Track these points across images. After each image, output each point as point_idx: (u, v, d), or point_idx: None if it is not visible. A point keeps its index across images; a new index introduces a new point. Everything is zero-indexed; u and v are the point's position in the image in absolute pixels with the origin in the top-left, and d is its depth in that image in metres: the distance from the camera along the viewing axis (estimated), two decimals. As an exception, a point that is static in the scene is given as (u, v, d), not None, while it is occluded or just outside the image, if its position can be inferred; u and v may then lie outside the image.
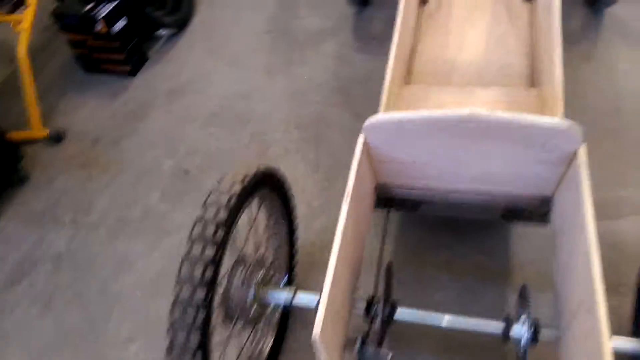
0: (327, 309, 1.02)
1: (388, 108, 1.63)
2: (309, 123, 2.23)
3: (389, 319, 1.24)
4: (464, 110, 1.10)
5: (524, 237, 1.72)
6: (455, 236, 1.75)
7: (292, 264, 1.61)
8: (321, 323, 0.99)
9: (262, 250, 1.42)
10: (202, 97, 2.46)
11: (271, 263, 1.45)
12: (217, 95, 2.44)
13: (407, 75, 1.96)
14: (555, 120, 1.09)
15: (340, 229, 1.13)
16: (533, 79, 1.83)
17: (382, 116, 1.20)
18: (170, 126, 2.37)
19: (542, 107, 1.63)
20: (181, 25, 2.81)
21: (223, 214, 1.13)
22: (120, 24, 2.46)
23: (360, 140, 1.28)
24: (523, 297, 1.21)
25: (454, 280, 1.65)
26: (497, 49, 1.95)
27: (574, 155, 1.16)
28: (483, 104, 1.74)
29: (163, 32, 2.75)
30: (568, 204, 1.22)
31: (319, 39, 2.59)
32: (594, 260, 0.98)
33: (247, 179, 1.23)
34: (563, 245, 1.21)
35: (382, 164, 1.39)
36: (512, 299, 1.55)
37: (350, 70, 2.41)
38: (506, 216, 1.46)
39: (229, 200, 1.16)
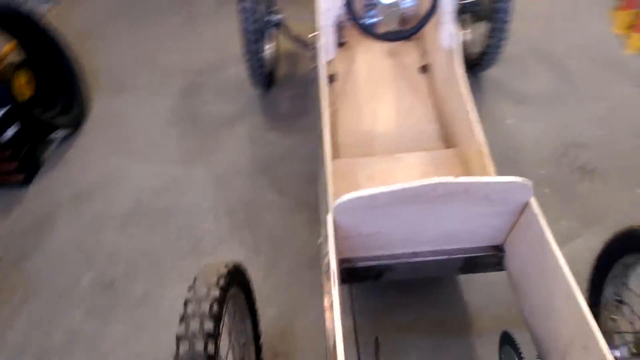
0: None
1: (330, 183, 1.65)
2: (238, 208, 2.17)
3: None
4: (432, 180, 1.16)
5: (470, 285, 1.81)
6: (409, 296, 1.79)
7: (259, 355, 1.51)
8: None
9: (231, 350, 1.32)
10: (113, 198, 2.28)
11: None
12: (130, 194, 2.29)
13: (333, 150, 2.03)
14: (511, 177, 1.19)
15: (337, 316, 1.09)
16: (447, 140, 2.01)
17: (352, 195, 1.21)
18: (81, 235, 2.15)
19: (466, 165, 1.78)
20: (76, 124, 2.63)
21: (209, 325, 1.04)
22: (10, 132, 2.24)
23: (330, 219, 1.27)
24: (510, 344, 1.26)
25: (422, 338, 1.67)
26: (408, 118, 2.12)
27: (526, 205, 1.28)
28: (411, 168, 1.86)
29: (57, 134, 2.55)
30: (526, 248, 1.31)
31: (229, 123, 2.59)
32: (579, 299, 1.06)
33: (222, 280, 1.15)
34: (532, 288, 1.30)
35: (347, 240, 1.39)
36: (489, 350, 1.60)
37: (266, 150, 2.43)
38: (463, 270, 1.53)
39: (210, 308, 1.07)
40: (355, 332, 1.45)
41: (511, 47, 2.76)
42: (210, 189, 2.27)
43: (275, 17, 2.58)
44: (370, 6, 1.81)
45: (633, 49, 2.70)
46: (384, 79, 2.30)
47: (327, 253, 1.49)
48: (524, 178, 1.20)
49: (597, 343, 1.00)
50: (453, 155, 1.86)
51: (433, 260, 1.49)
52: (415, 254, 1.48)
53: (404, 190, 1.17)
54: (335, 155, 2.00)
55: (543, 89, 2.58)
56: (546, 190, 2.11)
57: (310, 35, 2.38)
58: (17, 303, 1.91)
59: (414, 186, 1.16)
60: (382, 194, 1.18)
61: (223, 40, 3.15)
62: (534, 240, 1.25)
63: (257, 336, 1.52)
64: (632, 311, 1.36)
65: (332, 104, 2.21)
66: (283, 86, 2.79)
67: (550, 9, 3.12)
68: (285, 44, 2.84)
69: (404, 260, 1.49)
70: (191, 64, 3.01)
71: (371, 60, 2.38)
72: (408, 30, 1.78)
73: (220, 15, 3.43)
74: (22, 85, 2.41)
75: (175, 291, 1.90)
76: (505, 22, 2.27)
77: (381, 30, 2.03)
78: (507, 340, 1.28)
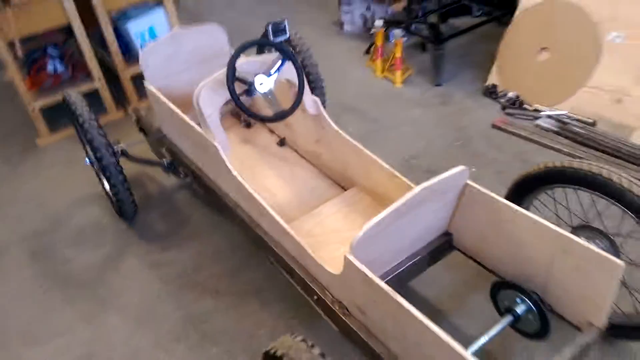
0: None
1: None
2: (186, 329, 2.06)
3: None
4: (417, 188, 1.46)
5: (420, 286, 2.13)
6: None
7: None
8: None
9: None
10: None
11: None
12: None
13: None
14: (457, 168, 1.57)
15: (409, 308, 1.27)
16: (339, 185, 2.33)
17: (366, 227, 1.41)
18: None
19: (374, 194, 2.12)
20: None
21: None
22: None
23: (352, 259, 1.44)
24: (506, 287, 1.61)
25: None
26: (297, 182, 2.37)
27: (464, 188, 1.68)
28: (335, 214, 2.11)
29: None
30: (476, 218, 1.69)
31: (112, 265, 2.41)
32: (544, 222, 1.48)
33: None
34: (495, 241, 1.66)
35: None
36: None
37: (173, 268, 2.34)
38: (431, 262, 1.84)
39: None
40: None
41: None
42: (138, 330, 2.09)
43: (119, 147, 2.56)
44: (249, 92, 2.03)
45: (399, 83, 3.54)
46: (255, 162, 2.52)
47: (335, 300, 1.64)
48: (462, 166, 1.60)
49: (574, 242, 1.42)
50: (357, 192, 2.19)
51: (411, 264, 1.76)
52: (399, 265, 1.74)
53: (403, 204, 1.43)
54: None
55: (360, 131, 3.15)
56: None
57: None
58: None
59: (408, 198, 1.44)
60: (391, 212, 1.42)
61: (41, 196, 2.93)
62: (483, 206, 1.65)
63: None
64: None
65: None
66: (144, 210, 2.72)
67: (325, 75, 3.82)
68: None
69: (393, 274, 1.72)
70: (18, 234, 2.68)
71: (233, 152, 2.57)
72: (291, 108, 2.07)
73: (21, 174, 3.15)
74: None
75: None
76: (322, 88, 2.77)
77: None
78: (501, 286, 1.63)
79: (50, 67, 3.46)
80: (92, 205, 2.78)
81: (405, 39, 3.49)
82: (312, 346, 1.26)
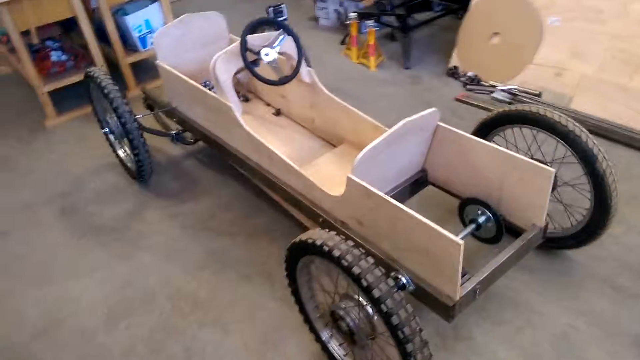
0: None
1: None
2: (208, 260, 2.44)
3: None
4: (403, 120, 1.90)
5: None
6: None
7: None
8: None
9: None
10: (83, 313, 2.24)
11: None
12: (97, 302, 2.29)
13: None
14: (430, 109, 2.03)
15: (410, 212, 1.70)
16: (331, 143, 2.76)
17: (365, 150, 1.85)
18: (77, 354, 2.08)
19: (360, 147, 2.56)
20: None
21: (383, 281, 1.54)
22: None
23: (354, 177, 1.87)
24: (470, 203, 2.07)
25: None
26: (294, 143, 2.77)
27: (436, 129, 2.14)
28: (330, 164, 2.53)
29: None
30: (447, 153, 2.14)
31: (137, 217, 2.76)
32: (498, 147, 1.95)
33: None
34: (459, 171, 2.13)
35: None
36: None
37: (192, 217, 2.71)
38: (411, 193, 2.29)
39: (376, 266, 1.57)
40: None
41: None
42: (168, 263, 2.46)
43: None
44: (256, 63, 2.45)
45: (373, 67, 4.01)
46: (256, 129, 2.89)
47: (336, 219, 2.06)
48: (434, 108, 2.05)
49: (518, 159, 1.89)
50: (347, 146, 2.63)
51: (395, 193, 2.20)
52: (390, 191, 2.18)
53: (393, 132, 1.88)
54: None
55: (343, 106, 3.61)
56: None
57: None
58: None
59: (398, 127, 1.88)
60: (383, 139, 1.86)
61: (60, 166, 3.27)
62: (451, 142, 2.11)
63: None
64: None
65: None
66: (157, 174, 3.07)
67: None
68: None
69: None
70: (46, 195, 3.01)
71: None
72: (292, 74, 2.49)
73: (35, 149, 3.45)
74: None
75: (211, 333, 2.10)
76: (309, 64, 3.20)
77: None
78: (466, 203, 2.09)
79: (54, 57, 3.77)
80: (108, 172, 3.13)
81: (377, 29, 3.97)
82: (346, 239, 1.59)
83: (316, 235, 1.64)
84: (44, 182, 3.11)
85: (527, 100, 3.32)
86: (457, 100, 3.53)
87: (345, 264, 1.50)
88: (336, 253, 1.54)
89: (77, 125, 3.62)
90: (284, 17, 2.56)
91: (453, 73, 3.77)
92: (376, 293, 1.45)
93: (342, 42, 4.40)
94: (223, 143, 2.65)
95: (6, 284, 2.44)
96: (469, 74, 3.68)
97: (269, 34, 2.56)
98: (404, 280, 1.77)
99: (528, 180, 1.91)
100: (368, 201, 1.86)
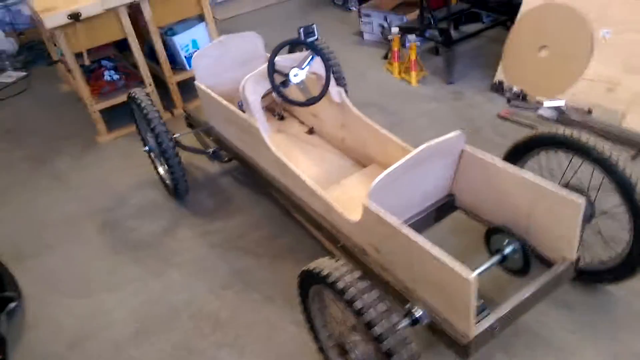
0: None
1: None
2: (232, 280, 2.47)
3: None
4: (424, 145, 1.84)
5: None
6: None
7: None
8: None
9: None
10: (114, 326, 2.34)
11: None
12: (127, 317, 2.38)
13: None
14: (453, 132, 1.96)
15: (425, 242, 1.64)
16: (360, 164, 2.73)
17: (381, 175, 1.81)
18: (99, 370, 2.17)
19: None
20: (12, 297, 2.54)
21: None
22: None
23: (369, 202, 1.83)
24: (497, 232, 1.96)
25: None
26: (324, 162, 2.76)
27: (463, 151, 2.05)
28: (357, 185, 2.50)
29: (10, 306, 2.44)
30: (474, 178, 2.05)
31: (170, 233, 2.85)
32: (526, 175, 1.84)
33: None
34: (488, 199, 2.03)
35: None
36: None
37: (220, 235, 2.76)
38: (436, 219, 2.21)
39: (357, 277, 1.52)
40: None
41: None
42: (194, 281, 2.51)
43: (173, 136, 3.02)
44: (285, 84, 2.47)
45: (415, 83, 3.93)
46: (288, 148, 2.93)
47: (355, 245, 2.03)
48: (459, 130, 1.97)
49: (546, 188, 1.78)
50: (376, 167, 2.58)
51: (420, 218, 2.14)
52: (409, 219, 2.12)
53: (411, 157, 1.82)
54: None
55: (382, 123, 3.51)
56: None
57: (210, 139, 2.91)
58: None
59: (415, 153, 1.82)
60: (401, 164, 1.81)
61: (105, 181, 3.40)
62: (477, 166, 2.02)
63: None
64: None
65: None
66: (194, 191, 3.16)
67: (348, 78, 4.23)
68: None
69: (409, 223, 2.10)
70: (89, 209, 3.16)
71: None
72: (319, 95, 2.49)
73: (85, 165, 3.63)
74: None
75: (228, 355, 2.12)
76: (345, 85, 3.18)
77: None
78: (492, 232, 1.99)
79: (107, 76, 3.98)
80: (149, 188, 3.24)
81: (418, 43, 3.89)
82: (352, 270, 1.55)
83: (323, 264, 1.62)
84: (90, 197, 3.27)
85: (576, 118, 3.12)
86: (500, 117, 3.38)
87: (348, 297, 1.47)
88: (340, 285, 1.50)
89: (125, 143, 3.79)
90: (314, 38, 2.55)
91: (498, 88, 3.62)
92: (377, 330, 1.41)
93: (385, 57, 4.35)
94: (253, 162, 2.69)
95: (47, 295, 2.58)
96: (515, 89, 3.52)
97: (299, 55, 2.57)
98: (418, 313, 1.71)
99: (557, 210, 1.79)
100: (383, 228, 1.82)
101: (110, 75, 4.01)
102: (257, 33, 3.10)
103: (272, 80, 2.36)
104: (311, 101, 2.46)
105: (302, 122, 3.13)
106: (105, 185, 3.36)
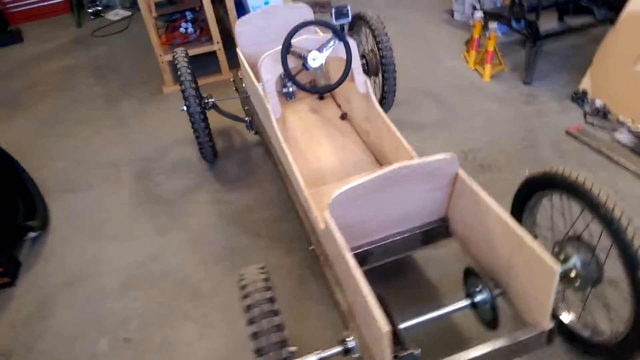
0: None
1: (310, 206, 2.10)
2: (224, 256, 2.50)
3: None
4: (395, 165, 1.66)
5: (427, 266, 2.30)
6: (383, 283, 2.22)
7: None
8: None
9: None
10: (103, 278, 2.50)
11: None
12: (121, 268, 2.52)
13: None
14: (442, 154, 1.73)
15: (364, 285, 1.49)
16: (378, 162, 2.56)
17: (343, 189, 1.67)
18: (84, 312, 2.33)
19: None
20: (42, 225, 2.82)
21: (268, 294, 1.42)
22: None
23: (328, 215, 1.71)
24: (473, 275, 1.74)
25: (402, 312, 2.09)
26: (345, 153, 2.64)
27: (457, 176, 1.82)
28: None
29: (28, 236, 2.72)
30: (465, 207, 1.83)
31: (189, 195, 2.94)
32: (510, 223, 1.59)
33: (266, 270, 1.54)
34: (475, 234, 1.80)
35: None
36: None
37: (230, 207, 2.80)
38: (423, 242, 2.02)
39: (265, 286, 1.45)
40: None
41: (399, 93, 3.48)
42: (192, 248, 2.58)
43: (210, 100, 3.06)
44: (303, 70, 2.36)
45: (487, 77, 3.55)
46: (316, 130, 2.83)
47: (321, 252, 1.93)
48: (451, 153, 1.74)
49: (524, 239, 1.52)
50: (388, 169, 2.40)
51: (401, 239, 1.96)
52: (387, 237, 1.95)
53: (379, 176, 1.65)
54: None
55: (433, 118, 3.29)
56: (459, 187, 2.73)
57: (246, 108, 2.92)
58: (43, 382, 2.04)
59: (385, 171, 1.64)
60: (366, 182, 1.65)
61: (157, 132, 3.55)
62: (468, 196, 1.78)
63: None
64: (545, 241, 1.93)
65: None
66: (225, 157, 3.21)
67: (419, 60, 3.96)
68: (214, 123, 3.31)
69: (380, 244, 1.95)
70: (133, 155, 3.35)
71: (300, 119, 2.91)
72: (334, 85, 2.34)
73: (146, 112, 3.83)
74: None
75: (189, 331, 2.17)
76: (393, 72, 2.95)
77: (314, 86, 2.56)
78: (470, 272, 1.77)
79: (182, 28, 4.10)
80: (188, 146, 3.35)
81: (499, 33, 3.47)
82: (265, 289, 1.48)
83: (248, 274, 1.56)
84: (139, 144, 3.46)
85: (656, 149, 2.62)
86: (568, 133, 2.95)
87: (247, 317, 1.40)
88: (247, 302, 1.44)
89: (186, 95, 3.92)
90: (346, 20, 2.37)
91: (578, 98, 3.15)
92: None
93: (467, 43, 3.96)
94: (267, 140, 2.64)
95: (69, 231, 2.82)
96: (597, 102, 3.03)
97: (326, 35, 2.42)
98: (351, 344, 1.60)
99: (534, 269, 1.53)
100: (333, 245, 1.70)
101: (185, 28, 4.12)
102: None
103: (284, 62, 2.25)
104: (323, 89, 2.32)
105: (339, 106, 2.99)
106: (154, 136, 3.53)
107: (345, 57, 2.38)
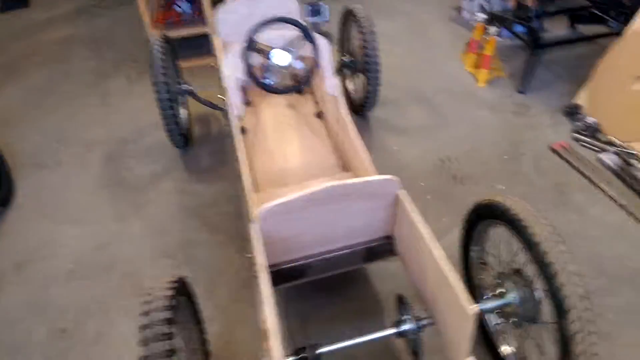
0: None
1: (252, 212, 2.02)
2: (176, 250, 2.45)
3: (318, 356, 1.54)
4: (327, 184, 1.56)
5: (378, 279, 2.21)
6: (332, 295, 2.14)
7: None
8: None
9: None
10: (54, 260, 2.47)
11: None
12: (71, 254, 2.49)
13: (254, 186, 2.41)
14: (381, 176, 1.63)
15: (266, 297, 1.42)
16: (344, 167, 2.46)
17: (271, 203, 1.58)
18: (29, 296, 2.30)
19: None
20: (4, 202, 2.80)
21: (166, 315, 1.34)
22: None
23: (256, 227, 1.63)
24: (402, 302, 1.65)
25: (346, 326, 2.02)
26: (312, 154, 2.55)
27: (397, 198, 1.71)
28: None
29: (-11, 212, 2.71)
30: (405, 231, 1.74)
31: (155, 182, 2.88)
32: (440, 261, 1.48)
33: (174, 285, 1.46)
34: (413, 260, 1.71)
35: (271, 246, 1.74)
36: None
37: (194, 199, 2.74)
38: (367, 259, 1.93)
39: (166, 305, 1.37)
40: (289, 330, 1.78)
41: (389, 92, 3.36)
42: (147, 239, 2.53)
43: (185, 87, 2.98)
44: (267, 68, 2.25)
45: (482, 82, 3.38)
46: (289, 127, 2.74)
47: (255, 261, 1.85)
48: (391, 175, 1.64)
49: (444, 275, 1.41)
50: (348, 177, 2.30)
51: (342, 254, 1.87)
52: (328, 252, 1.86)
53: (309, 194, 1.56)
54: (256, 190, 2.38)
55: (418, 121, 3.15)
56: (428, 197, 2.61)
57: (218, 96, 2.83)
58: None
59: (316, 190, 1.56)
60: (295, 199, 1.57)
61: (138, 113, 3.49)
62: (407, 222, 1.68)
63: (204, 341, 1.79)
64: (492, 269, 1.82)
65: (248, 151, 2.61)
66: (200, 144, 3.14)
67: (416, 59, 3.80)
68: (197, 109, 3.23)
69: (320, 257, 1.86)
70: (110, 136, 3.29)
71: (275, 113, 2.82)
72: (297, 85, 2.24)
73: (132, 92, 3.76)
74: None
75: (125, 327, 2.12)
76: (376, 72, 2.81)
77: (277, 85, 2.47)
78: (400, 300, 1.67)
79: (177, 7, 4.00)
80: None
81: (499, 38, 3.29)
82: (160, 298, 1.41)
83: (156, 282, 1.49)
84: (117, 124, 3.41)
85: (641, 177, 2.46)
86: (552, 149, 2.79)
87: (140, 338, 1.33)
88: (144, 307, 1.37)
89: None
90: (322, 19, 2.26)
91: (570, 113, 2.97)
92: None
93: (467, 44, 3.78)
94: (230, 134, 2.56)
95: (30, 210, 2.79)
96: (589, 119, 2.85)
97: (298, 33, 2.31)
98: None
99: (453, 308, 1.43)
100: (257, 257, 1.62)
101: (180, 7, 4.02)
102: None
103: (246, 57, 2.15)
104: (282, 90, 2.22)
105: (317, 103, 2.88)
106: (135, 117, 3.47)
107: (315, 57, 2.28)
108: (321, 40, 2.33)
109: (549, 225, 1.45)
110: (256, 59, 2.31)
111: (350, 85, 3.25)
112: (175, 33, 3.84)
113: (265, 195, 2.25)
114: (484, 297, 1.72)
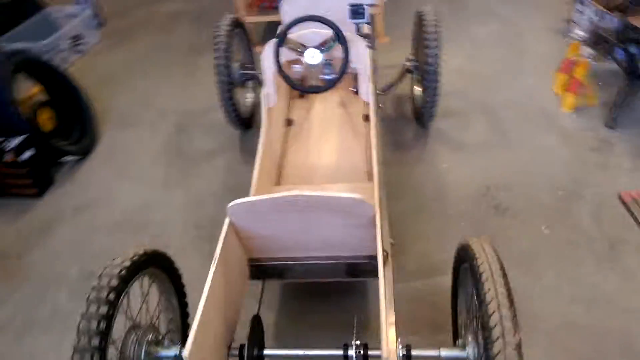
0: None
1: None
2: (206, 223, 2.61)
3: (258, 358, 1.58)
4: (292, 192, 1.57)
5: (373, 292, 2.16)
6: (322, 301, 2.15)
7: (185, 331, 1.89)
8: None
9: (155, 319, 1.71)
10: (107, 211, 2.78)
11: (167, 330, 1.76)
12: (121, 208, 2.79)
13: (278, 178, 2.47)
14: (350, 194, 1.58)
15: (207, 288, 1.49)
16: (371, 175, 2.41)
17: (240, 200, 1.64)
18: (76, 238, 2.64)
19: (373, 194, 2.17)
20: (85, 152, 3.19)
21: (114, 282, 1.46)
22: (27, 154, 2.80)
23: (227, 220, 1.70)
24: (358, 325, 1.61)
25: (328, 335, 2.01)
26: (346, 157, 2.53)
27: (374, 219, 1.66)
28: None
29: (69, 158, 3.11)
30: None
31: (209, 157, 3.08)
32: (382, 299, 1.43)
33: (136, 257, 1.58)
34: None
35: (250, 240, 1.80)
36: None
37: (238, 179, 2.87)
38: (349, 274, 1.90)
39: (119, 272, 1.49)
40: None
41: (457, 102, 3.19)
42: (184, 208, 2.74)
43: (250, 73, 3.08)
44: (296, 62, 2.28)
45: (567, 107, 3.06)
46: (333, 125, 2.75)
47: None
48: (360, 196, 1.58)
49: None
50: (368, 186, 2.25)
51: (322, 263, 1.87)
52: (308, 258, 1.87)
53: (272, 199, 1.58)
54: (278, 182, 2.44)
55: (478, 138, 2.96)
56: (462, 224, 2.46)
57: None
58: (12, 286, 2.39)
59: (278, 197, 1.57)
60: (260, 201, 1.60)
61: (210, 90, 3.69)
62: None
63: (184, 312, 1.90)
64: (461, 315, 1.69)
65: (286, 142, 2.67)
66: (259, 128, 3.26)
67: (499, 70, 3.53)
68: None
69: (299, 262, 1.88)
70: (185, 108, 3.56)
71: (325, 109, 2.84)
72: (322, 86, 2.23)
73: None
74: (45, 120, 3.08)
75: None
76: (434, 82, 2.68)
77: (307, 83, 2.47)
78: (358, 321, 1.63)
79: (272, -8, 4.13)
80: (236, 109, 3.46)
81: (592, 62, 2.93)
82: (112, 276, 1.48)
83: (123, 253, 1.62)
84: (194, 98, 3.67)
85: None
86: (621, 199, 2.45)
87: (76, 325, 1.40)
88: (94, 282, 1.49)
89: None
90: (362, 20, 2.21)
91: (656, 159, 2.58)
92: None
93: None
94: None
95: (102, 162, 3.16)
96: (676, 170, 2.46)
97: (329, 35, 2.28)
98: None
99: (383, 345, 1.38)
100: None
101: (276, -10, 4.14)
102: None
103: (276, 54, 2.19)
104: (310, 89, 2.22)
105: (367, 104, 2.83)
106: (210, 94, 3.66)
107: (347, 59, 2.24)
108: (359, 43, 2.29)
109: (504, 285, 1.32)
110: (289, 55, 2.34)
111: (416, 91, 3.13)
112: (264, 18, 3.99)
113: (282, 189, 2.29)
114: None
